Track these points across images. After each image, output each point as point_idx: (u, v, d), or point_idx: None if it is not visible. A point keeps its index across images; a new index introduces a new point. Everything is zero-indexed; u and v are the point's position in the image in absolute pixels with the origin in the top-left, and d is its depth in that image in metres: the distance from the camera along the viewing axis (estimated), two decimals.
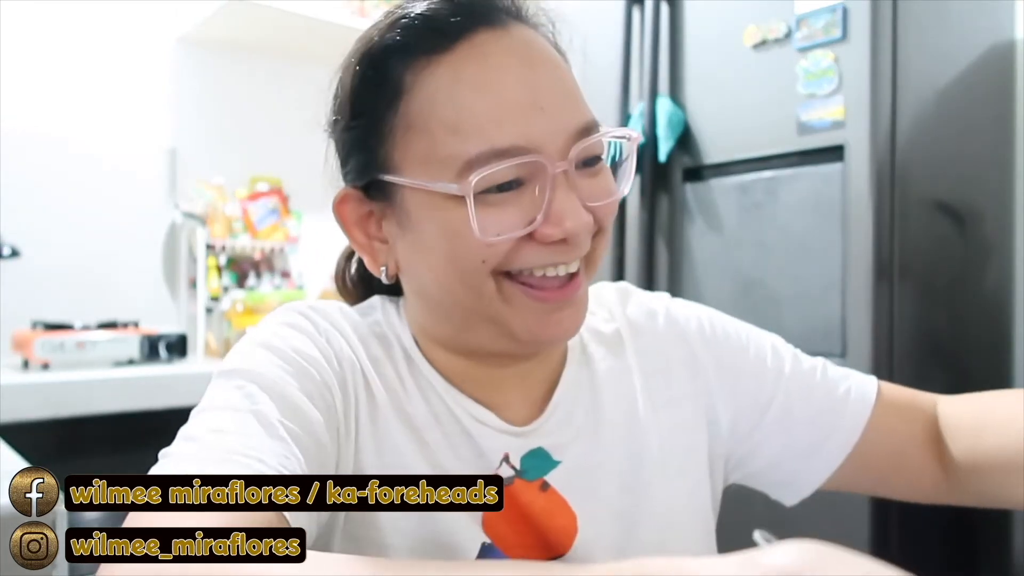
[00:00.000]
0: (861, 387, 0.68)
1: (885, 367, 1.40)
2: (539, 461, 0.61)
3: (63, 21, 2.16)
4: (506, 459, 0.60)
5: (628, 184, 0.60)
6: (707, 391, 0.68)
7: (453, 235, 0.54)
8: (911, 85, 1.48)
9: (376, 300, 0.66)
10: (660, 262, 1.77)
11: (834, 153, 1.47)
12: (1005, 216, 1.75)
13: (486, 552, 0.58)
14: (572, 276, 0.57)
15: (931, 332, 1.54)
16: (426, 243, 0.56)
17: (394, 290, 0.66)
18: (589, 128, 0.55)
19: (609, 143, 0.59)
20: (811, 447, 0.67)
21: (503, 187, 0.53)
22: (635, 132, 0.59)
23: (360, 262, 0.70)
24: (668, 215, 1.76)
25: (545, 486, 0.60)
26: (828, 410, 0.67)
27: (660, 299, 0.73)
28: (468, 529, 0.57)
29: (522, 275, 0.55)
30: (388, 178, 0.56)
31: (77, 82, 2.19)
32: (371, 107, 0.57)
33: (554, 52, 0.58)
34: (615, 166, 0.60)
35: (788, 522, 1.47)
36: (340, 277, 0.71)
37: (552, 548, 0.60)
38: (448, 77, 0.53)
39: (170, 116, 2.34)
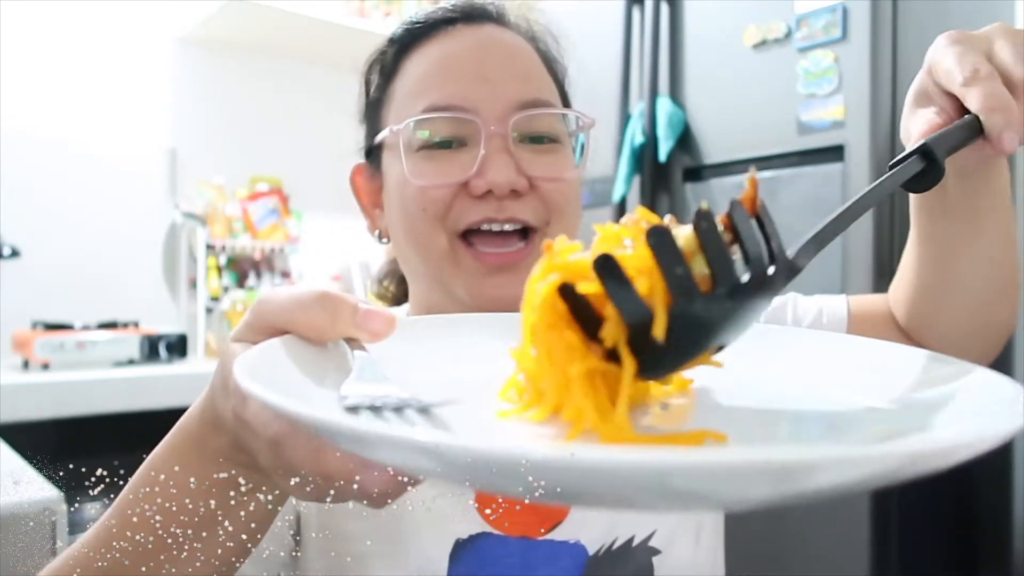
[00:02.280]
0: (833, 309, 0.73)
1: None
2: None
3: (63, 21, 2.16)
4: None
5: (582, 166, 0.65)
6: None
7: (400, 184, 0.61)
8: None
9: None
10: None
11: (834, 153, 1.47)
12: None
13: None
14: (520, 240, 0.60)
15: None
16: (391, 197, 0.64)
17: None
18: (535, 104, 0.61)
19: (578, 138, 0.65)
20: None
21: (443, 144, 0.60)
22: (588, 117, 0.65)
23: (387, 273, 0.79)
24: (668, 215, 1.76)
25: None
26: None
27: None
28: (466, 510, 0.58)
29: (469, 236, 0.60)
30: (374, 142, 0.66)
31: (77, 82, 2.19)
32: (377, 85, 0.67)
33: (525, 45, 0.65)
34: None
35: (787, 521, 1.48)
36: (381, 284, 0.79)
37: (552, 514, 0.60)
38: (420, 57, 0.63)
39: (170, 116, 2.34)
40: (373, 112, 0.67)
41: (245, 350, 0.35)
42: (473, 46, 0.62)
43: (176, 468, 0.40)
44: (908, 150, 0.48)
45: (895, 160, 0.47)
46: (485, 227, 0.60)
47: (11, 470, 1.08)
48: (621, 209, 1.80)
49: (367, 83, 0.69)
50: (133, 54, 2.28)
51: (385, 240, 0.68)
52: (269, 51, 2.46)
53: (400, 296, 0.77)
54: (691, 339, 0.33)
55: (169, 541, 0.39)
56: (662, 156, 1.71)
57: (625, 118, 1.79)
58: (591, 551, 0.60)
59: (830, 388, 0.40)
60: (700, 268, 0.33)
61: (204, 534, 0.39)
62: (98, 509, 0.42)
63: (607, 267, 0.32)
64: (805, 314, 0.72)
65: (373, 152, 0.67)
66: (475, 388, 0.38)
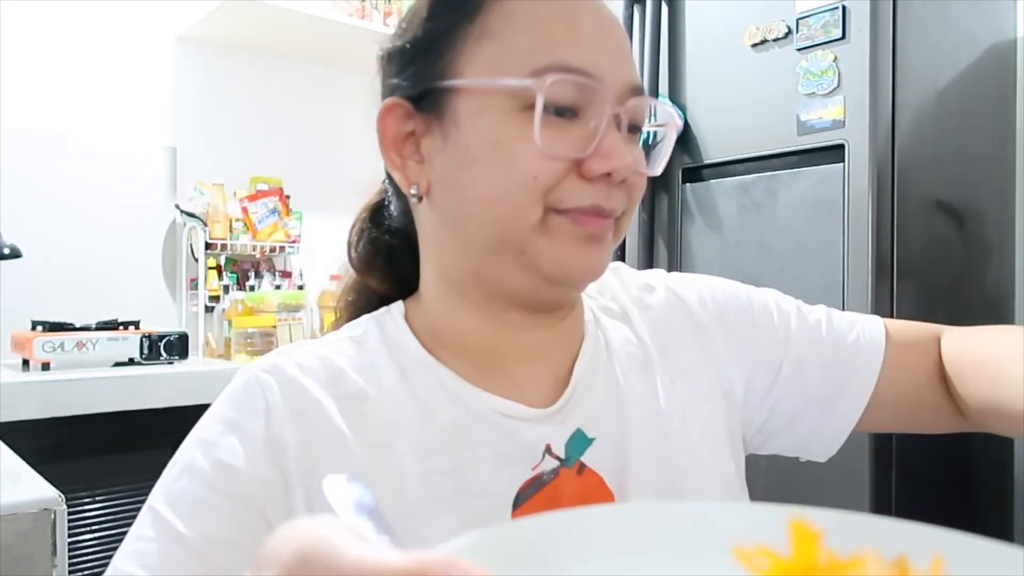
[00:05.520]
0: (870, 333, 0.67)
1: None
2: (578, 443, 0.58)
3: (63, 19, 2.16)
4: (548, 450, 0.57)
5: (662, 166, 0.60)
6: (717, 361, 0.66)
7: (507, 144, 0.54)
8: (911, 85, 1.48)
9: (364, 320, 0.63)
10: (660, 262, 1.77)
11: (834, 153, 1.47)
12: (1005, 216, 1.75)
13: None
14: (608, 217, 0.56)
15: None
16: (474, 154, 0.55)
17: (391, 296, 0.65)
18: (642, 90, 0.57)
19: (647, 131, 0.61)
20: (828, 402, 0.66)
21: (560, 111, 0.54)
22: (679, 118, 0.60)
23: (370, 240, 0.68)
24: (668, 215, 1.76)
25: (581, 468, 0.57)
26: (840, 362, 0.66)
27: (656, 274, 0.72)
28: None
29: (568, 213, 0.55)
30: (447, 83, 0.56)
31: (77, 81, 2.19)
32: (446, 15, 0.58)
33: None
34: (646, 149, 0.61)
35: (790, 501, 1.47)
36: (354, 253, 0.69)
37: None
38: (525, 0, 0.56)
39: (170, 115, 2.34)
40: (436, 39, 0.57)
41: None
42: (590, 7, 0.56)
43: None
44: None
45: None
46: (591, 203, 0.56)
47: (11, 470, 1.08)
48: None
49: (430, 7, 0.59)
50: (133, 53, 2.28)
51: (419, 199, 0.59)
52: (269, 50, 2.46)
53: (376, 272, 0.67)
54: None
55: None
56: None
57: None
58: None
59: None
60: None
61: None
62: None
63: None
64: (843, 336, 0.67)
65: (430, 94, 0.57)
66: None
